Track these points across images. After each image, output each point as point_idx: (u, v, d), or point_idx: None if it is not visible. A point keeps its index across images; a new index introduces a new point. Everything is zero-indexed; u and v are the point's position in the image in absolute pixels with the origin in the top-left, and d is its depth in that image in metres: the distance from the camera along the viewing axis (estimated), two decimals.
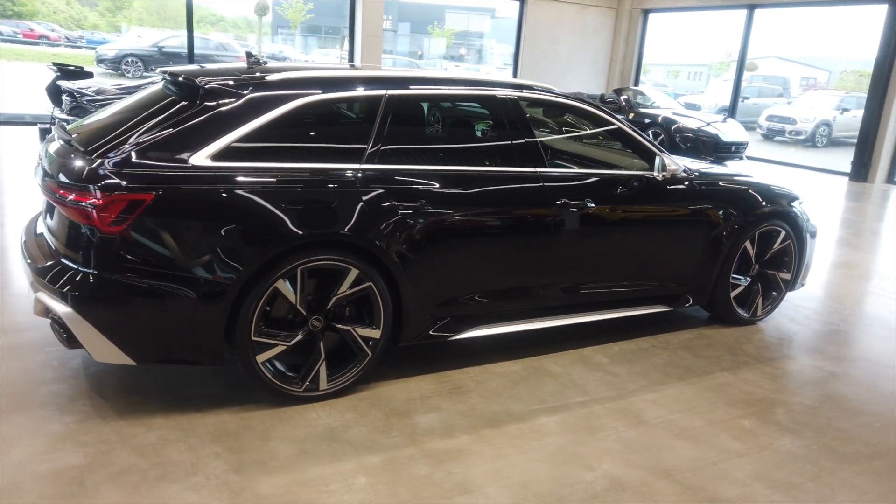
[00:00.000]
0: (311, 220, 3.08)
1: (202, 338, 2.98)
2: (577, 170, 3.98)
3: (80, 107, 7.56)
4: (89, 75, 9.20)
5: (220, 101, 3.07)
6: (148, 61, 18.18)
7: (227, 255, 2.92)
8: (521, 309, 3.77)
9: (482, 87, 3.74)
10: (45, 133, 7.72)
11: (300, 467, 2.75)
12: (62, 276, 2.87)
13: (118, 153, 2.88)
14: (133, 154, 2.88)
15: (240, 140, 3.03)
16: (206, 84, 3.12)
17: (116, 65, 17.60)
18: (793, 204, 4.60)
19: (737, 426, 3.30)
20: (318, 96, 3.24)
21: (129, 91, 7.88)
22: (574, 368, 3.79)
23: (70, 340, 2.91)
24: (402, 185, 3.30)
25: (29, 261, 3.16)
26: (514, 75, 14.90)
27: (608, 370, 3.80)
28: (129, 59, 18.07)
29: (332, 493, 2.60)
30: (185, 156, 2.93)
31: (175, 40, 19.77)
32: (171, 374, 3.37)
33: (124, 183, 2.80)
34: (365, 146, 3.28)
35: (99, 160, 2.85)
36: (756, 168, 12.14)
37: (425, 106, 3.71)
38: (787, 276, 4.70)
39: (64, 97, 7.89)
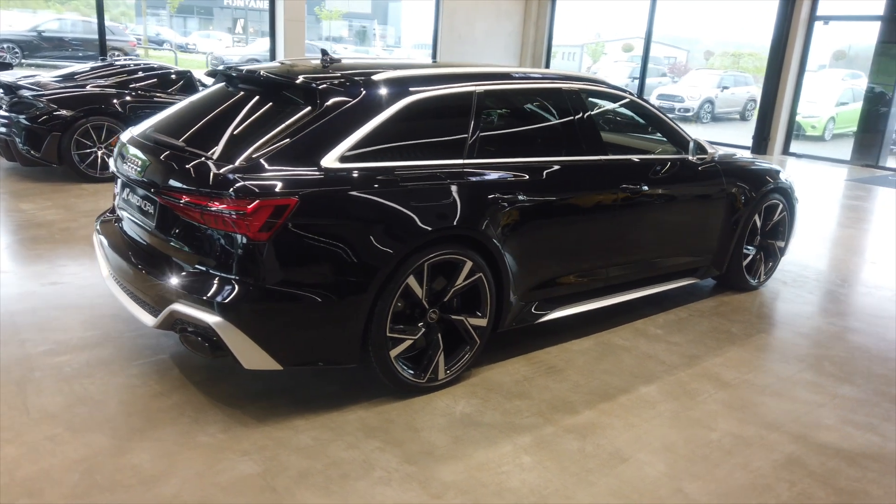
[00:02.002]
0: (436, 215, 3.17)
1: (343, 338, 3.00)
2: (631, 156, 4.25)
3: (22, 102, 6.98)
4: (8, 67, 8.47)
5: (339, 103, 3.08)
6: (26, 47, 16.83)
7: (367, 254, 2.96)
8: (592, 289, 4.03)
9: (551, 80, 3.93)
10: None
11: (464, 453, 2.87)
12: (208, 286, 2.81)
13: (253, 159, 2.84)
14: (268, 159, 2.85)
15: (361, 140, 3.06)
16: (322, 86, 3.10)
17: None
18: (783, 178, 5.12)
19: (802, 380, 3.73)
20: (421, 94, 3.30)
21: (70, 79, 7.37)
22: (637, 341, 4.09)
23: (214, 349, 2.86)
24: (500, 178, 3.44)
25: (138, 273, 3.05)
26: (434, 60, 15.04)
27: (667, 340, 4.14)
28: (5, 46, 16.61)
29: (509, 474, 2.75)
30: (316, 158, 2.93)
31: (55, 24, 18.35)
32: (278, 378, 3.35)
33: (268, 189, 2.78)
34: (464, 141, 3.40)
35: (238, 167, 2.80)
36: None
37: (507, 100, 3.84)
38: (783, 245, 5.24)
39: None
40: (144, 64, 8.11)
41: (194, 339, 2.90)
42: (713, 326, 4.40)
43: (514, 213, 3.45)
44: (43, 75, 7.87)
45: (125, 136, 3.57)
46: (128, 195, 3.34)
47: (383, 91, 3.21)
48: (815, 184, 10.38)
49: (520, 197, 3.47)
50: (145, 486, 2.54)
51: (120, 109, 7.26)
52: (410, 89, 3.28)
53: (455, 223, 3.22)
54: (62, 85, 7.33)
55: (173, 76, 7.86)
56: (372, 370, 3.15)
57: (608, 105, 4.52)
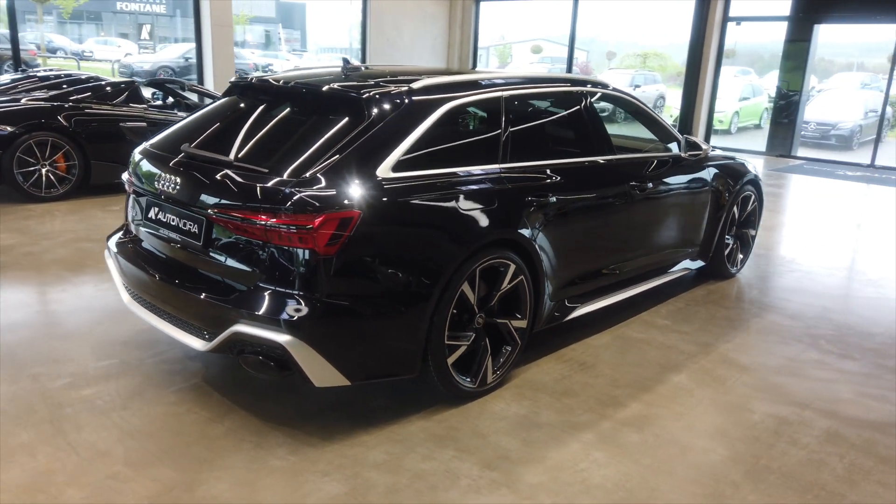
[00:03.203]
0: (487, 220, 3.19)
1: (407, 348, 2.98)
2: (636, 154, 4.40)
3: None
4: None
5: (386, 112, 3.04)
6: None
7: (428, 262, 2.95)
8: (609, 284, 4.15)
9: (564, 84, 4.02)
10: None
11: (538, 454, 2.90)
12: (274, 304, 2.72)
13: (312, 172, 2.77)
14: (326, 172, 2.79)
15: (410, 149, 3.04)
16: (368, 96, 3.06)
17: None
18: (752, 170, 5.43)
19: (808, 359, 3.98)
20: (457, 101, 3.31)
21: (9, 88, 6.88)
22: (651, 333, 4.25)
23: (282, 369, 2.77)
24: (533, 180, 3.50)
25: (182, 295, 2.92)
26: (365, 63, 14.95)
27: (677, 330, 4.32)
28: None
29: (588, 471, 2.81)
30: (372, 169, 2.89)
31: None
32: (325, 394, 3.27)
33: (332, 202, 2.72)
34: (498, 146, 3.44)
35: (300, 181, 2.73)
36: None
37: (530, 104, 3.90)
38: (754, 233, 5.57)
39: None
40: (69, 75, 7.67)
41: (256, 359, 2.80)
42: (711, 314, 4.62)
43: (546, 214, 3.52)
44: None
45: (141, 152, 3.39)
46: (157, 214, 3.17)
47: (425, 99, 3.20)
48: None
49: (551, 199, 3.54)
50: None
51: (65, 124, 6.82)
52: (448, 96, 3.29)
53: (503, 227, 3.26)
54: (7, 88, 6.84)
55: (121, 86, 7.46)
56: (429, 380, 3.13)
57: (610, 105, 4.66)
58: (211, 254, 2.91)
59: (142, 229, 3.32)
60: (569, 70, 15.33)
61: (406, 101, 3.12)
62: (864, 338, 4.36)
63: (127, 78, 9.27)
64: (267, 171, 2.82)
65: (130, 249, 3.36)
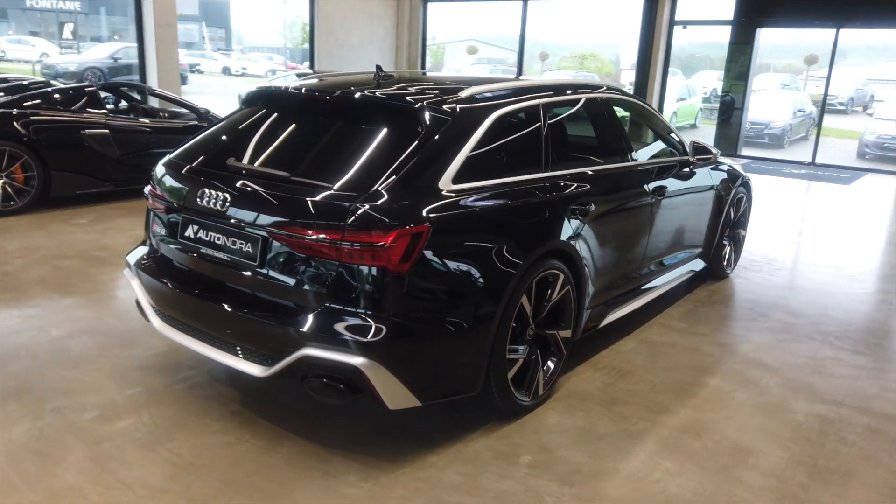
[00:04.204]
0: (542, 230, 3.16)
1: (474, 365, 2.90)
2: (654, 160, 4.44)
3: None
4: None
5: (440, 123, 2.95)
6: None
7: (494, 276, 2.89)
8: (632, 289, 4.17)
9: (589, 91, 4.00)
10: None
11: (609, 467, 2.88)
12: (346, 325, 2.59)
13: (377, 186, 2.66)
14: (392, 186, 2.68)
15: (466, 160, 2.96)
16: (420, 106, 2.96)
17: None
18: (743, 172, 5.58)
19: (826, 357, 4.11)
20: (502, 109, 3.25)
21: None
22: (671, 336, 4.30)
23: (354, 392, 2.65)
24: (575, 188, 3.48)
25: (235, 319, 2.76)
26: (312, 66, 14.64)
27: (695, 332, 4.38)
28: None
29: (663, 481, 2.80)
30: (434, 181, 2.80)
31: None
32: (377, 416, 3.15)
33: (403, 217, 2.62)
34: (541, 154, 3.40)
35: (369, 196, 2.61)
36: None
37: (563, 112, 3.86)
38: (745, 233, 5.72)
39: None
40: (20, 79, 7.21)
41: (323, 383, 2.67)
42: (720, 315, 4.72)
43: (586, 221, 3.50)
44: None
45: (169, 166, 3.18)
46: (198, 232, 2.98)
47: (474, 108, 3.13)
48: None
49: (590, 206, 3.53)
50: None
51: (22, 132, 6.38)
52: (493, 104, 3.22)
53: (555, 236, 3.22)
54: None
55: (80, 91, 7.03)
56: (489, 396, 3.06)
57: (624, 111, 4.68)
58: (270, 274, 2.75)
59: (173, 248, 3.11)
60: (519, 72, 15.45)
61: (457, 110, 3.04)
62: (867, 333, 4.54)
63: (81, 82, 8.75)
64: (331, 186, 2.68)
65: (162, 270, 3.14)
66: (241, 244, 2.82)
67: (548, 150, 3.43)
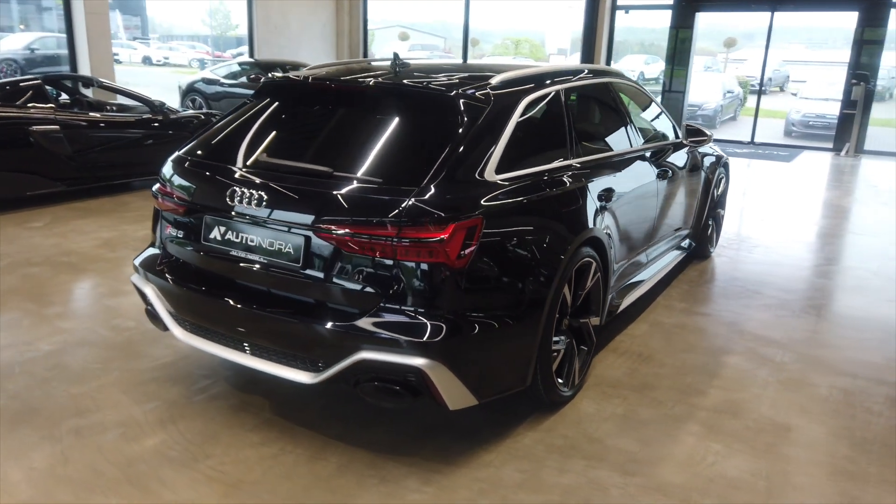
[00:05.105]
0: (581, 218, 3.11)
1: (524, 359, 2.84)
2: (657, 143, 4.45)
3: None
4: None
5: (478, 112, 2.85)
6: None
7: (541, 267, 2.83)
8: (642, 271, 4.19)
9: (598, 76, 3.97)
10: None
11: (662, 453, 2.87)
12: (407, 325, 2.47)
13: (426, 180, 2.54)
14: (442, 179, 2.56)
15: (505, 148, 2.88)
16: (457, 94, 2.85)
17: None
18: (723, 153, 5.69)
19: (827, 330, 4.25)
20: (530, 95, 3.17)
21: None
22: (679, 318, 4.35)
23: (414, 394, 2.54)
24: (601, 174, 3.45)
25: (278, 324, 2.61)
26: (251, 54, 14.15)
27: (698, 312, 4.45)
28: None
29: (718, 464, 2.81)
30: (480, 172, 2.71)
31: None
32: (413, 415, 3.05)
33: (457, 210, 2.52)
34: (566, 141, 3.35)
35: (421, 190, 2.50)
36: None
37: (579, 97, 3.81)
38: (723, 213, 5.85)
39: None
40: None
41: (378, 387, 2.55)
42: (716, 293, 4.82)
43: (610, 207, 3.48)
44: None
45: (187, 164, 2.97)
46: (226, 234, 2.78)
47: (507, 95, 3.04)
48: None
49: (614, 191, 3.51)
50: None
51: None
52: (522, 91, 3.14)
53: (591, 223, 3.18)
54: None
55: (25, 84, 6.54)
56: (535, 389, 2.99)
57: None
58: (314, 275, 2.60)
59: (195, 252, 2.90)
60: (465, 56, 15.38)
61: (491, 98, 2.94)
62: (854, 309, 4.70)
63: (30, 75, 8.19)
64: (380, 181, 2.55)
65: (184, 275, 2.93)
66: (281, 245, 2.65)
67: (572, 136, 3.38)
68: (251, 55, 14.12)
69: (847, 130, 12.22)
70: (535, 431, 2.99)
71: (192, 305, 2.89)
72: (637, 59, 23.48)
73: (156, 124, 7.28)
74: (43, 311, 4.08)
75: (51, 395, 3.15)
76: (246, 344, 2.77)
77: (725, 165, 5.61)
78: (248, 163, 2.81)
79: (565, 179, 3.13)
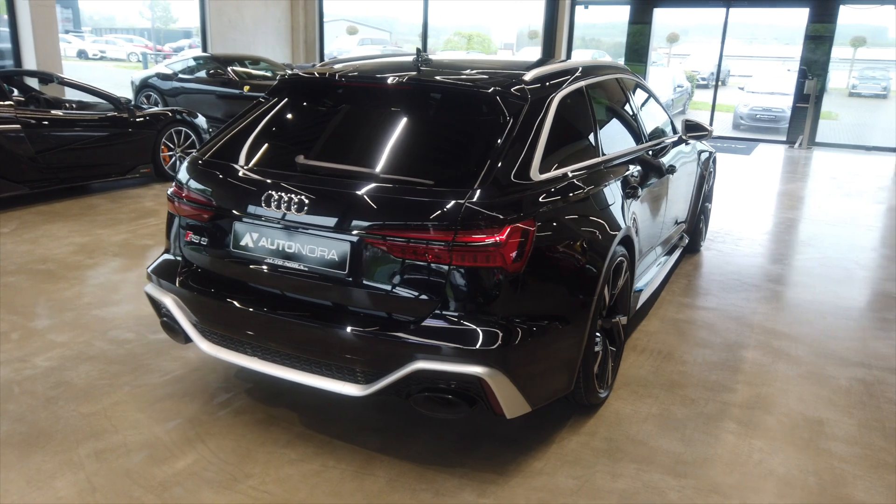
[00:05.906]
0: (617, 217, 3.06)
1: (571, 363, 2.77)
2: (664, 138, 4.43)
3: None
4: None
5: (517, 109, 2.76)
6: None
7: (587, 268, 2.77)
8: (653, 267, 4.18)
9: (610, 72, 3.92)
10: None
11: (706, 453, 2.85)
12: (465, 333, 2.37)
13: (478, 181, 2.45)
14: (493, 181, 2.47)
15: (546, 146, 2.80)
16: (498, 93, 2.76)
17: None
18: (710, 147, 5.76)
19: (832, 323, 4.32)
20: (560, 92, 3.10)
21: None
22: (686, 313, 4.37)
23: (471, 404, 2.45)
24: (626, 170, 3.41)
25: (324, 335, 2.48)
26: (204, 49, 13.68)
27: (703, 307, 4.48)
28: None
29: (764, 462, 2.81)
30: (528, 172, 2.63)
31: None
32: (449, 425, 2.96)
33: (512, 212, 2.43)
34: (594, 137, 3.30)
35: (474, 192, 2.40)
36: None
37: (597, 94, 3.75)
38: (711, 206, 5.92)
39: None
40: None
41: (433, 398, 2.45)
42: (716, 287, 4.86)
43: (635, 204, 3.45)
44: None
45: (212, 168, 2.79)
46: (260, 240, 2.62)
47: (543, 91, 2.96)
48: None
49: (636, 188, 3.47)
50: None
51: None
52: (554, 87, 3.07)
53: (624, 222, 3.14)
54: None
55: None
56: (576, 392, 2.93)
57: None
58: (363, 282, 2.47)
59: (222, 259, 2.73)
60: (424, 49, 15.23)
61: (528, 96, 2.85)
62: (849, 299, 4.81)
63: None
64: (431, 183, 2.44)
65: (211, 284, 2.75)
66: (324, 252, 2.51)
67: (597, 133, 3.34)
68: (204, 49, 13.67)
69: (800, 124, 12.60)
70: (578, 435, 2.94)
71: (223, 316, 2.72)
72: (585, 53, 23.76)
73: (122, 122, 6.94)
74: (30, 324, 3.82)
75: (59, 416, 2.93)
76: (284, 356, 2.62)
77: (714, 160, 5.67)
78: (281, 165, 2.65)
79: (600, 177, 3.08)
